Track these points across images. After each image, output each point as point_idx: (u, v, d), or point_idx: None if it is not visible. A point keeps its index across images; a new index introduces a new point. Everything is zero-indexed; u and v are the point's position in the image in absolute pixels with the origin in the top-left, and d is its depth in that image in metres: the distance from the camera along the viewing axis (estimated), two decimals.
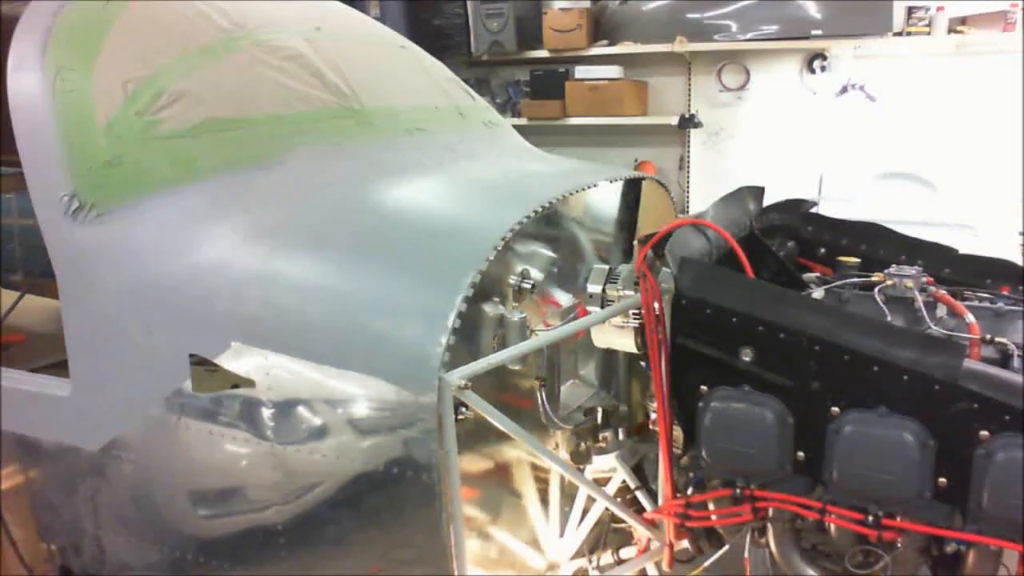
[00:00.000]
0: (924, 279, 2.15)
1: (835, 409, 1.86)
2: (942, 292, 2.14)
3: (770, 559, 2.11)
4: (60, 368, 2.20)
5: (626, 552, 2.45)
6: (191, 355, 1.91)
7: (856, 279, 2.29)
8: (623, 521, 2.34)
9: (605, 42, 6.31)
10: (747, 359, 1.94)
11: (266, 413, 1.89)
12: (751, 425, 1.93)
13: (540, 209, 2.04)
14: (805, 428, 1.90)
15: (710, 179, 6.23)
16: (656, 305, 2.07)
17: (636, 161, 6.50)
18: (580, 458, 2.47)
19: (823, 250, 2.70)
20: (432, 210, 2.27)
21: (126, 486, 2.13)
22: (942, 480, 1.79)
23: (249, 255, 2.02)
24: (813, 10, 5.56)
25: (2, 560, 2.36)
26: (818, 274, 2.53)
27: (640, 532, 2.35)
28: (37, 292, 3.90)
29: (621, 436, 2.50)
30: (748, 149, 6.17)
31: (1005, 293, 2.30)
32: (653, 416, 2.27)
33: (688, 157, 6.36)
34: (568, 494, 2.45)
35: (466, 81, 3.30)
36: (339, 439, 1.84)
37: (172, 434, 2.00)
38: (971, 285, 2.34)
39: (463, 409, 1.81)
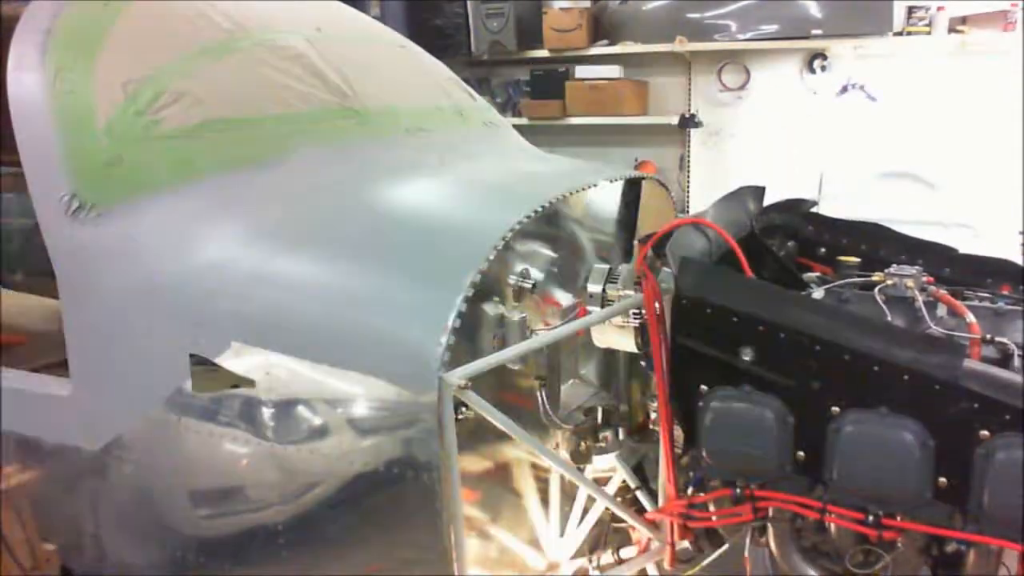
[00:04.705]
0: (924, 279, 2.15)
1: (835, 409, 1.86)
2: (942, 292, 2.14)
3: (770, 559, 2.10)
4: (60, 368, 2.20)
5: (626, 552, 2.45)
6: (191, 355, 1.91)
7: (856, 279, 2.29)
8: (623, 521, 2.34)
9: (605, 42, 6.31)
10: (747, 359, 1.93)
11: (266, 413, 1.89)
12: (751, 425, 1.92)
13: (540, 209, 2.04)
14: (805, 428, 1.90)
15: (710, 179, 6.22)
16: (657, 305, 2.07)
17: (636, 161, 6.50)
18: (580, 458, 2.47)
19: (823, 250, 2.69)
20: (432, 210, 2.27)
21: (126, 486, 2.13)
22: (942, 480, 1.79)
23: (249, 255, 2.02)
24: (813, 10, 5.56)
25: (2, 560, 2.36)
26: (818, 274, 2.52)
27: (640, 532, 2.35)
28: (37, 292, 3.90)
29: (621, 436, 2.50)
30: (748, 149, 6.16)
31: (1005, 293, 2.30)
32: (654, 416, 2.28)
33: (688, 157, 6.36)
34: (568, 494, 2.45)
35: (466, 81, 3.29)
36: (339, 439, 1.84)
37: (172, 434, 2.00)
38: (971, 285, 2.34)
39: (463, 409, 1.81)
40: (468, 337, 1.98)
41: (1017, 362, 1.96)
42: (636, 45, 6.06)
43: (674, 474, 2.12)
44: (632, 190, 2.76)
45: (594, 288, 2.26)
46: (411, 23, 6.48)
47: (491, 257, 1.83)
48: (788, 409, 1.91)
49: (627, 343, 2.25)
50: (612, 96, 6.13)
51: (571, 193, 2.27)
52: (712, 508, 2.11)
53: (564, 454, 2.45)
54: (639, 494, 2.41)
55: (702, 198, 6.09)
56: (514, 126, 3.33)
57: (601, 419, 2.52)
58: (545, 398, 2.28)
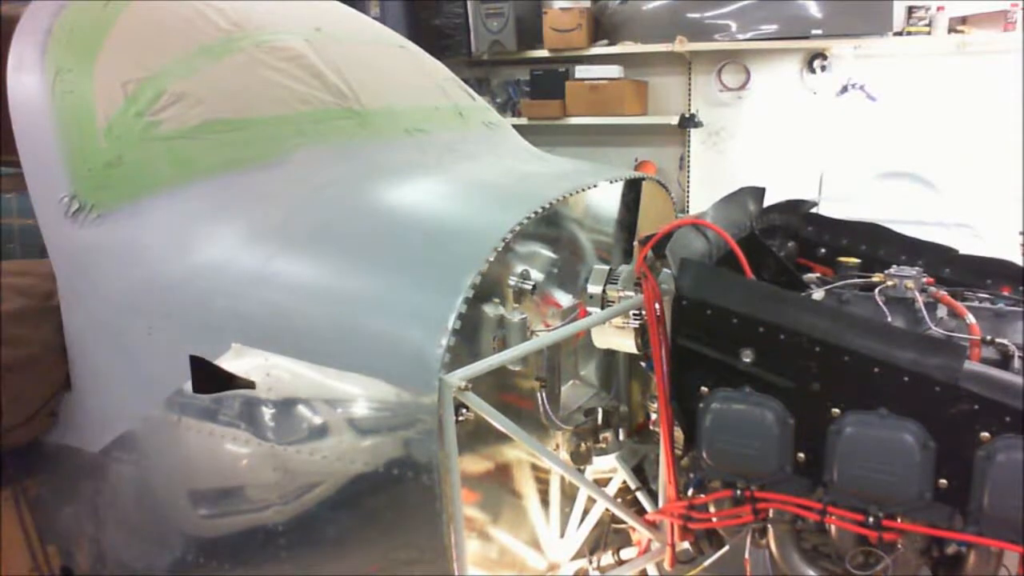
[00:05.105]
0: (924, 279, 2.15)
1: (835, 410, 1.86)
2: (942, 293, 2.14)
3: (770, 560, 2.10)
4: None
5: (626, 553, 2.45)
6: (191, 355, 1.91)
7: (856, 280, 2.29)
8: (623, 522, 2.34)
9: (605, 42, 6.31)
10: (747, 360, 1.93)
11: (266, 413, 1.89)
12: (752, 426, 1.92)
13: (540, 210, 2.04)
14: (805, 429, 1.90)
15: (710, 179, 6.23)
16: (657, 306, 2.07)
17: (636, 161, 6.50)
18: (580, 459, 2.47)
19: (823, 250, 2.69)
20: (432, 211, 2.27)
21: (126, 487, 2.13)
22: (942, 481, 1.79)
23: (249, 256, 2.02)
24: (813, 10, 5.56)
25: (2, 560, 2.36)
26: (818, 275, 2.53)
27: (641, 533, 2.35)
28: None
29: (621, 437, 2.50)
30: (748, 149, 6.17)
31: (1005, 293, 2.30)
32: (654, 417, 2.28)
33: (688, 157, 6.36)
34: (568, 495, 2.45)
35: (466, 81, 3.29)
36: (339, 440, 1.84)
37: (172, 434, 2.00)
38: (971, 285, 2.34)
39: (463, 410, 1.81)
40: (468, 338, 1.98)
41: (1017, 363, 1.96)
42: (636, 45, 6.06)
43: (674, 475, 2.12)
44: (632, 191, 2.76)
45: (594, 289, 2.26)
46: (411, 23, 6.47)
47: (491, 258, 1.83)
48: (788, 410, 1.91)
49: (627, 344, 2.25)
50: (612, 96, 6.13)
51: (571, 194, 2.27)
52: (712, 509, 2.11)
53: (564, 455, 2.45)
54: (639, 495, 2.41)
55: (702, 198, 6.09)
56: (514, 126, 3.32)
57: (601, 420, 2.52)
58: (545, 399, 2.27)
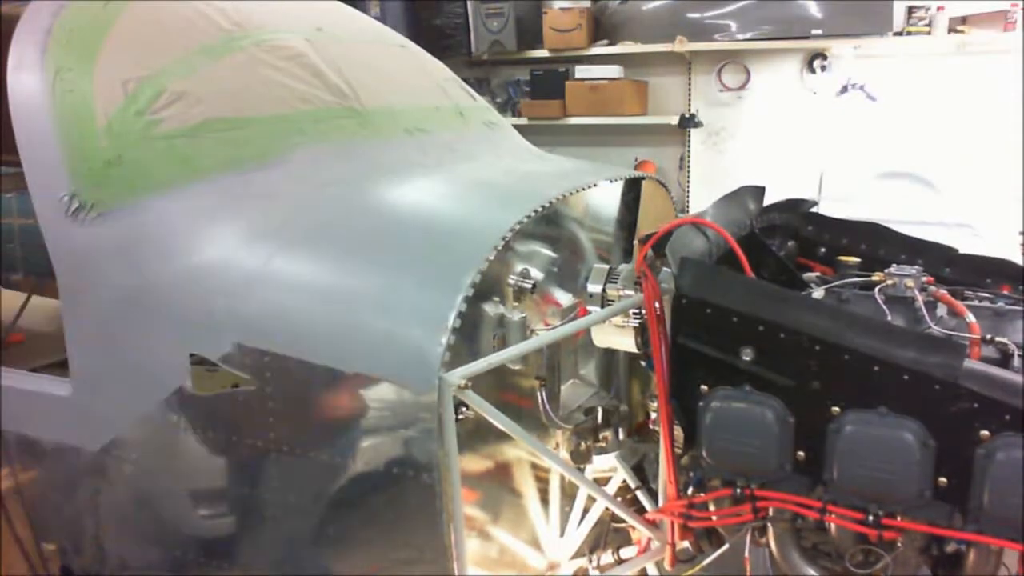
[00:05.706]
0: (924, 279, 2.15)
1: (835, 409, 1.86)
2: (942, 292, 2.14)
3: (770, 559, 2.11)
4: (60, 368, 2.20)
5: (626, 552, 2.45)
6: (191, 355, 1.91)
7: (856, 279, 2.29)
8: (623, 521, 2.34)
9: (605, 42, 6.31)
10: (747, 359, 1.93)
11: (266, 413, 1.89)
12: (751, 425, 1.93)
13: (540, 209, 2.04)
14: (805, 428, 1.90)
15: (710, 179, 6.22)
16: (657, 305, 2.07)
17: (636, 161, 6.50)
18: (580, 458, 2.47)
19: (823, 250, 2.70)
20: (432, 210, 2.27)
21: (126, 486, 2.13)
22: (942, 480, 1.79)
23: (249, 255, 2.02)
24: (813, 10, 5.56)
25: (3, 560, 2.36)
26: (818, 274, 2.53)
27: (640, 532, 2.35)
28: (38, 292, 3.90)
29: (621, 436, 2.50)
30: (748, 149, 6.17)
31: (1005, 293, 2.30)
32: (654, 416, 2.28)
33: (688, 157, 6.36)
34: (568, 494, 2.45)
35: (466, 81, 3.29)
36: (339, 439, 1.84)
37: (172, 434, 2.00)
38: (971, 285, 2.34)
39: (463, 409, 1.81)
40: (468, 337, 1.98)
41: (1017, 362, 1.97)
42: (636, 45, 6.06)
43: (674, 474, 2.12)
44: (632, 190, 2.76)
45: (594, 288, 2.26)
46: (411, 23, 6.48)
47: (491, 257, 1.83)
48: (788, 409, 1.91)
49: (627, 343, 2.25)
50: (612, 96, 6.13)
51: (571, 193, 2.27)
52: (712, 508, 2.11)
53: (564, 454, 2.45)
54: (639, 494, 2.41)
55: (702, 198, 6.09)
56: (514, 126, 3.32)
57: (601, 419, 2.52)
58: (545, 398, 2.28)
